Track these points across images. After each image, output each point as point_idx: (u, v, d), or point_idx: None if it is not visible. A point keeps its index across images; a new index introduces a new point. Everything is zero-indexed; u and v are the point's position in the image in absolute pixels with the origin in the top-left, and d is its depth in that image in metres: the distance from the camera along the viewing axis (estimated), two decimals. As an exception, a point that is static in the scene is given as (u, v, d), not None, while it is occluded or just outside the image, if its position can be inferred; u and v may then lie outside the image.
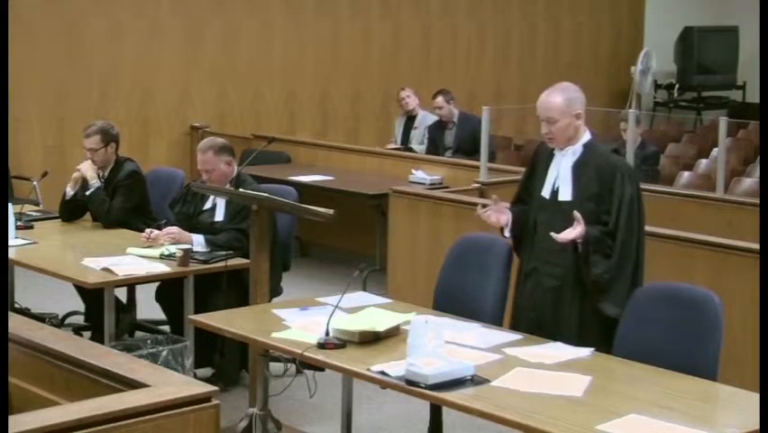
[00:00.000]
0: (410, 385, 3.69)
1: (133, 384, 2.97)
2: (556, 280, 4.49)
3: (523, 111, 10.94)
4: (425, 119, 9.86)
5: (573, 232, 4.31)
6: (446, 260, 4.99)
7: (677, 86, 14.15)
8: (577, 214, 4.32)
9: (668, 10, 14.19)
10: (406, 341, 3.92)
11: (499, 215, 4.59)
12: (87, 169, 6.38)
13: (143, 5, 9.96)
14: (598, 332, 4.38)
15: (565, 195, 4.48)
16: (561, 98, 4.42)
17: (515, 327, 4.58)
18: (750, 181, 8.33)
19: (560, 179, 4.50)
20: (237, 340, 4.97)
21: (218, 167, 5.86)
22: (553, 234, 4.36)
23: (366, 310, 4.52)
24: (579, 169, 4.47)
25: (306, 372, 4.75)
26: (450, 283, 4.89)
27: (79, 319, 6.83)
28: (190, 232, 5.81)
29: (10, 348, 3.22)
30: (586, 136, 4.51)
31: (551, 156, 4.56)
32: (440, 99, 9.53)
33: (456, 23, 12.34)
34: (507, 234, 4.64)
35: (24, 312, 6.69)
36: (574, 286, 4.44)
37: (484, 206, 4.70)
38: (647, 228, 4.65)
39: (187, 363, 5.31)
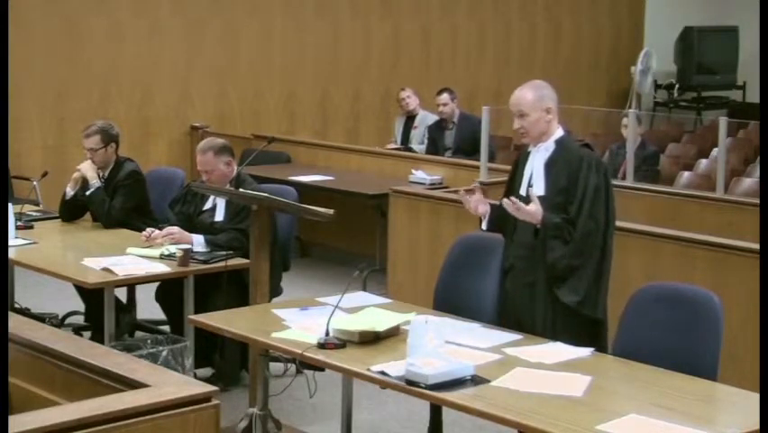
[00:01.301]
0: (410, 385, 3.69)
1: (133, 384, 2.97)
2: (531, 276, 4.52)
3: (523, 111, 10.93)
4: (425, 119, 9.86)
5: (527, 206, 4.41)
6: (446, 260, 4.99)
7: (677, 86, 14.15)
8: (532, 193, 4.45)
9: (668, 10, 14.20)
10: (406, 341, 3.92)
11: (482, 205, 4.65)
12: (87, 169, 6.38)
13: (143, 5, 9.96)
14: (570, 328, 4.40)
15: (538, 190, 4.54)
16: (531, 93, 4.53)
17: (501, 324, 4.60)
18: (750, 181, 8.33)
19: (534, 176, 4.58)
20: (237, 340, 4.97)
21: (218, 167, 5.86)
22: (507, 200, 4.44)
23: (366, 310, 4.52)
24: (551, 164, 4.55)
25: (306, 372, 4.75)
26: (450, 283, 4.89)
27: (79, 319, 6.83)
28: (190, 232, 5.81)
29: (10, 348, 3.22)
30: (558, 132, 4.58)
31: (527, 155, 4.65)
32: (445, 96, 9.53)
33: (456, 23, 12.34)
34: (483, 226, 4.69)
35: (24, 312, 6.69)
36: (546, 281, 4.48)
37: (469, 192, 4.74)
38: (647, 228, 4.67)
39: (187, 363, 5.31)
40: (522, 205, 4.43)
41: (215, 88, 10.48)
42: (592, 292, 4.41)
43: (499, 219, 4.62)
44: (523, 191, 4.60)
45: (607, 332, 4.48)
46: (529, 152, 4.63)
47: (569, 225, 4.43)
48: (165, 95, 10.15)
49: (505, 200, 4.48)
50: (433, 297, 4.92)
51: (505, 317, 4.63)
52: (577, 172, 4.46)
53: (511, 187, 4.71)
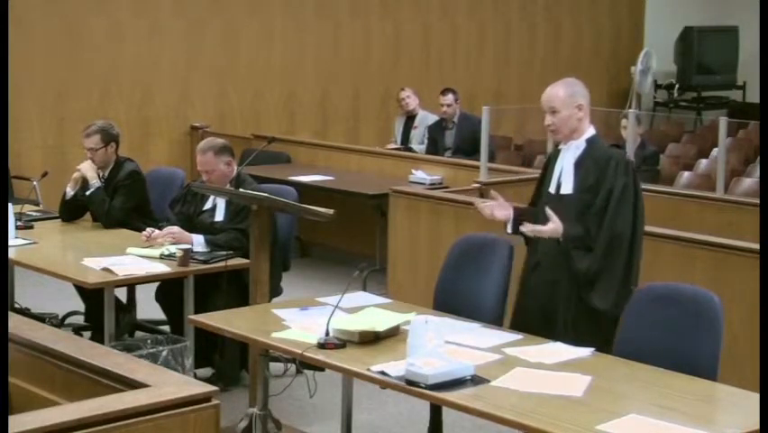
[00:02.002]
0: (410, 385, 3.69)
1: (133, 384, 2.97)
2: (555, 275, 4.53)
3: (523, 111, 10.95)
4: (425, 119, 9.87)
5: (545, 227, 4.45)
6: (446, 260, 4.99)
7: (677, 86, 14.15)
8: (549, 211, 4.46)
9: (668, 10, 14.20)
10: (406, 341, 3.92)
11: (499, 210, 4.66)
12: (87, 169, 6.38)
13: (143, 5, 9.96)
14: (593, 328, 4.41)
15: (567, 188, 4.56)
16: (563, 90, 4.56)
17: (516, 321, 4.62)
18: (750, 181, 8.33)
19: (563, 174, 4.59)
20: (237, 340, 4.97)
21: (218, 168, 5.86)
22: (525, 225, 4.48)
23: (366, 310, 4.51)
24: (580, 163, 4.56)
25: (306, 372, 4.75)
26: (450, 283, 4.89)
27: (79, 319, 6.83)
28: (190, 232, 5.81)
29: (10, 348, 3.22)
30: (590, 132, 4.60)
31: (557, 153, 4.68)
32: (450, 97, 9.55)
33: (456, 23, 12.34)
34: (508, 230, 4.70)
35: (24, 312, 6.69)
36: (570, 281, 4.48)
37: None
38: (647, 228, 4.67)
39: (187, 363, 5.31)
40: (540, 227, 4.47)
41: (215, 88, 10.48)
42: (621, 295, 4.38)
43: (525, 221, 4.61)
44: (551, 188, 4.62)
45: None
46: (560, 150, 4.65)
47: (589, 235, 4.43)
48: (165, 95, 10.15)
49: (522, 228, 4.51)
50: (433, 297, 4.92)
51: (522, 314, 4.64)
52: (605, 171, 4.46)
53: (541, 184, 4.74)
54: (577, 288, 4.47)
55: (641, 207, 4.48)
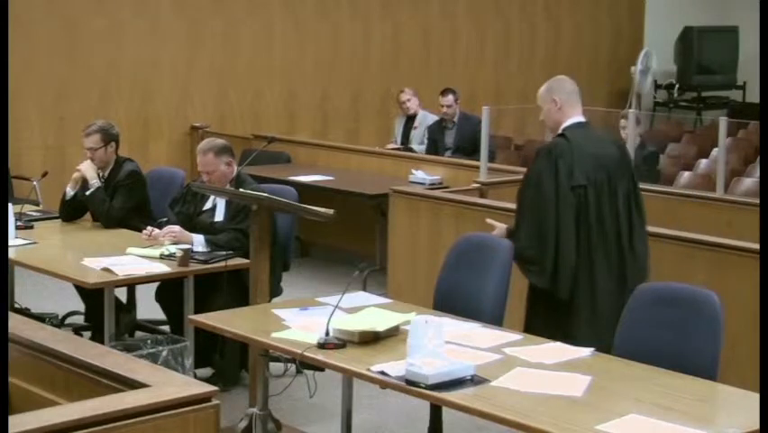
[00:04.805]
0: (410, 385, 3.69)
1: (133, 384, 2.97)
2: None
3: (523, 111, 10.94)
4: (425, 119, 9.86)
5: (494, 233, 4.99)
6: (446, 260, 4.99)
7: (677, 86, 14.15)
8: (489, 220, 5.07)
9: (668, 10, 14.19)
10: (406, 341, 3.92)
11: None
12: (87, 169, 6.37)
13: (143, 5, 9.96)
14: (546, 313, 4.73)
15: None
16: (544, 87, 4.90)
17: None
18: (750, 181, 8.33)
19: None
20: (237, 340, 4.97)
21: (218, 168, 5.86)
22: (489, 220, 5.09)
23: (366, 310, 4.51)
24: None
25: (306, 372, 4.75)
26: (450, 283, 4.89)
27: (79, 319, 6.83)
28: (190, 232, 5.81)
29: (10, 348, 3.22)
30: (569, 121, 4.85)
31: None
32: (451, 98, 9.56)
33: (456, 22, 12.34)
34: None
35: (24, 312, 6.69)
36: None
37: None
38: (648, 228, 4.70)
39: (187, 363, 5.31)
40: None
41: (215, 88, 10.48)
42: (560, 276, 4.67)
43: None
44: None
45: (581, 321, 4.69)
46: None
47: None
48: (165, 95, 10.14)
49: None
50: (433, 297, 4.92)
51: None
52: (533, 160, 4.85)
53: None
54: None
55: (563, 191, 4.68)
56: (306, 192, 7.46)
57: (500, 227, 4.98)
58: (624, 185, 4.79)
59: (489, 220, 5.08)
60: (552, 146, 4.78)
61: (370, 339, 4.17)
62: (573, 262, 4.65)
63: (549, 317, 4.69)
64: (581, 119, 4.86)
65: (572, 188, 4.67)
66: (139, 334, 6.32)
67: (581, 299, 4.68)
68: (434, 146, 9.57)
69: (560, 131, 4.81)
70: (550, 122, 4.86)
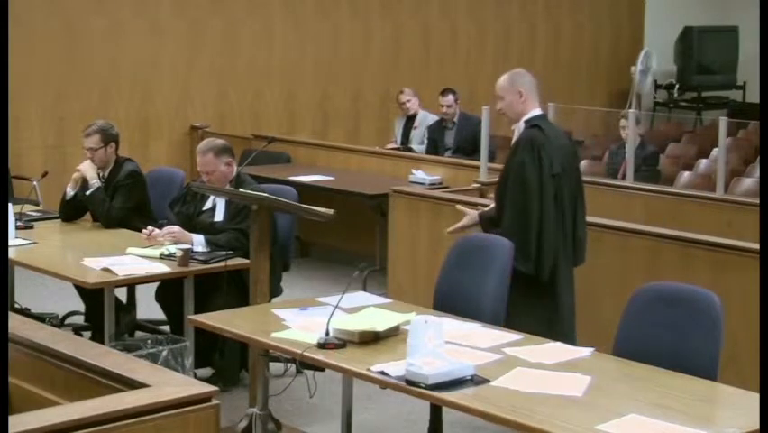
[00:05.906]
0: (410, 385, 3.69)
1: (133, 384, 2.97)
2: None
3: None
4: (425, 119, 9.86)
5: (460, 222, 5.23)
6: (446, 260, 4.99)
7: (677, 86, 14.14)
8: (459, 207, 5.34)
9: (668, 10, 14.19)
10: (406, 341, 3.92)
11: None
12: (87, 169, 6.37)
13: (143, 5, 9.96)
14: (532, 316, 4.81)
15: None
16: (506, 78, 5.06)
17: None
18: (750, 181, 8.33)
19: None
20: (237, 340, 4.97)
21: (218, 168, 5.86)
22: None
23: (366, 310, 4.52)
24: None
25: (306, 372, 4.76)
26: (450, 283, 4.90)
27: (79, 319, 6.83)
28: (190, 232, 5.81)
29: (10, 348, 3.22)
30: (531, 113, 5.02)
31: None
32: (450, 98, 9.55)
33: (456, 23, 12.34)
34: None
35: (24, 312, 6.69)
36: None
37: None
38: (647, 228, 4.74)
39: (187, 363, 5.31)
40: (457, 224, 5.26)
41: (215, 88, 10.48)
42: (542, 261, 4.88)
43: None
44: None
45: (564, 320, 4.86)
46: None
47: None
48: (165, 95, 10.14)
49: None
50: (433, 297, 4.92)
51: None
52: (513, 151, 5.00)
53: None
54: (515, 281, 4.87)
55: (545, 180, 4.88)
56: (306, 192, 7.46)
57: (471, 214, 5.21)
58: (575, 174, 5.13)
59: (458, 206, 5.32)
60: (532, 138, 4.96)
61: (370, 339, 4.17)
62: (555, 247, 4.92)
63: (530, 302, 4.90)
64: (541, 111, 5.10)
65: (552, 177, 4.93)
66: (139, 334, 6.32)
67: (561, 283, 4.99)
68: (434, 146, 9.57)
69: (525, 122, 4.99)
70: (512, 113, 5.04)
